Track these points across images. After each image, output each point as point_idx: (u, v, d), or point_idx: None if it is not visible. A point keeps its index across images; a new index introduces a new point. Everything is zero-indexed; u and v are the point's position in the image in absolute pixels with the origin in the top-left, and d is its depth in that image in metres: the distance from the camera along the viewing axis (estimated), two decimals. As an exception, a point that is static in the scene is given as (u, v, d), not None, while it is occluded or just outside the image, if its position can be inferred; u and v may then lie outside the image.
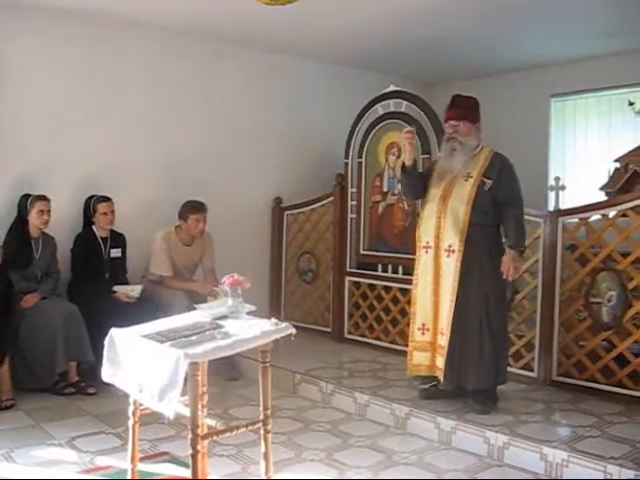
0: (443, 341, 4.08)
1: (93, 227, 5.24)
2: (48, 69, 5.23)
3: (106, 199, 5.23)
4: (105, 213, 5.20)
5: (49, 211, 4.93)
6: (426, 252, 4.20)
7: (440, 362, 4.11)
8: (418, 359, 4.24)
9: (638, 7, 4.91)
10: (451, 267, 4.05)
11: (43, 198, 4.91)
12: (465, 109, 4.18)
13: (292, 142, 6.69)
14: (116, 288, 5.09)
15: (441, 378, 4.11)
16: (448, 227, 4.08)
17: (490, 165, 4.11)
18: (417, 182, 4.32)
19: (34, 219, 4.88)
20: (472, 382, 4.06)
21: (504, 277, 4.02)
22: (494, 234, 4.13)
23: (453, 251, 4.05)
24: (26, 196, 4.91)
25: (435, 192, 4.21)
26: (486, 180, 4.07)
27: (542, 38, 5.91)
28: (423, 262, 4.23)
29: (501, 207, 4.09)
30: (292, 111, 6.70)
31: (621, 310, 4.28)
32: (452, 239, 4.05)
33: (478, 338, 4.01)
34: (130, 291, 5.08)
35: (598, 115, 6.69)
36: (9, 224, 4.93)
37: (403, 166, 4.33)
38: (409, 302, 5.38)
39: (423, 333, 4.21)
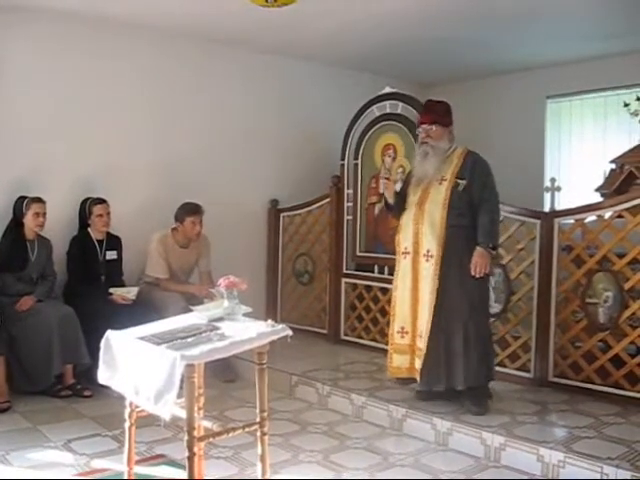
0: (421, 344, 4.10)
1: (89, 229, 5.23)
2: (44, 71, 5.21)
3: (102, 201, 5.22)
4: (101, 215, 5.19)
5: (45, 213, 4.91)
6: (404, 257, 4.26)
7: (418, 364, 4.15)
8: (398, 362, 4.29)
9: (634, 9, 4.92)
10: (430, 271, 4.08)
11: (39, 200, 4.89)
12: (436, 113, 4.25)
13: (288, 144, 6.69)
14: (112, 290, 5.08)
15: (418, 379, 4.16)
16: (426, 232, 4.12)
17: (463, 165, 4.15)
18: (402, 205, 4.37)
19: (29, 221, 4.87)
20: (460, 382, 4.07)
21: (472, 273, 4.02)
22: (472, 234, 4.11)
23: (432, 255, 4.08)
24: (22, 198, 4.90)
25: (413, 198, 4.26)
26: (459, 181, 4.11)
27: (537, 39, 5.92)
28: (402, 267, 4.28)
29: (476, 206, 4.11)
30: (288, 112, 6.70)
31: (617, 311, 4.29)
32: (430, 244, 4.09)
33: (463, 338, 4.04)
34: (126, 293, 5.07)
35: (593, 116, 6.70)
36: (3, 226, 4.92)
37: (386, 203, 4.49)
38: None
39: (402, 336, 4.26)
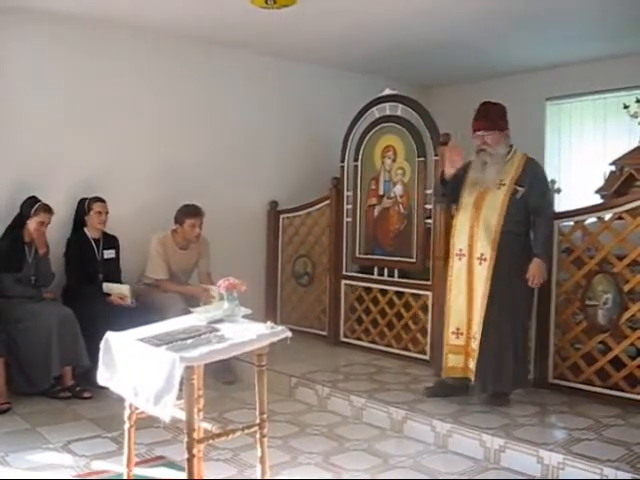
0: (475, 345, 4.18)
1: (85, 229, 5.23)
2: (45, 72, 5.21)
3: (102, 200, 5.24)
4: (99, 212, 5.19)
5: (49, 223, 4.91)
6: (459, 259, 4.29)
7: (472, 364, 4.21)
8: (453, 361, 4.33)
9: (634, 10, 4.92)
10: (483, 275, 4.14)
11: (48, 210, 4.87)
12: (492, 119, 4.22)
13: (288, 145, 6.69)
14: (106, 289, 5.08)
15: (473, 380, 4.21)
16: (481, 236, 4.16)
17: (523, 172, 4.18)
18: (454, 187, 4.36)
19: (33, 227, 4.84)
20: (506, 385, 4.22)
21: (529, 284, 4.14)
22: (526, 242, 4.22)
23: (485, 259, 4.14)
24: (32, 199, 4.87)
25: (468, 200, 4.28)
26: (518, 188, 4.14)
27: (537, 42, 5.92)
28: (457, 269, 4.31)
29: (530, 214, 4.18)
30: (288, 114, 6.70)
31: (617, 313, 4.28)
32: (484, 248, 4.14)
33: (512, 342, 4.14)
34: (116, 289, 5.06)
35: (593, 118, 6.70)
36: (3, 225, 4.91)
37: (443, 178, 4.37)
38: (405, 305, 5.44)
39: (457, 337, 4.31)
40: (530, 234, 4.26)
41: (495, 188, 4.17)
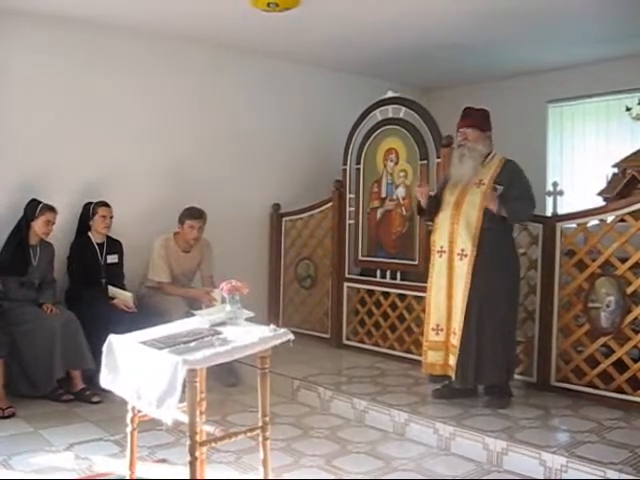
0: (455, 340, 4.21)
1: (89, 233, 5.24)
2: (46, 76, 5.22)
3: (107, 204, 5.25)
4: (104, 217, 5.21)
5: (54, 223, 4.92)
6: (440, 256, 4.35)
7: (452, 361, 4.24)
8: (432, 358, 4.38)
9: (635, 12, 4.92)
10: (464, 270, 4.19)
11: (52, 209, 4.89)
12: (474, 118, 4.37)
13: (290, 148, 6.70)
14: (110, 293, 5.08)
15: (453, 376, 4.23)
16: (461, 232, 4.22)
17: (501, 172, 4.26)
18: (435, 208, 4.46)
19: (39, 227, 4.85)
20: (486, 380, 4.25)
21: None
22: (505, 238, 4.30)
23: (466, 255, 4.19)
24: (35, 201, 4.89)
25: (449, 199, 4.36)
26: (497, 187, 4.21)
27: (539, 44, 5.92)
28: (437, 265, 4.37)
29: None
30: (290, 117, 6.71)
31: (620, 315, 4.28)
32: (465, 244, 4.20)
33: (491, 337, 4.16)
34: (120, 295, 5.07)
35: (595, 121, 6.70)
36: (5, 228, 4.90)
37: (419, 207, 4.56)
38: (407, 308, 5.44)
39: (437, 333, 4.35)
40: (510, 231, 4.35)
41: (474, 187, 4.26)
